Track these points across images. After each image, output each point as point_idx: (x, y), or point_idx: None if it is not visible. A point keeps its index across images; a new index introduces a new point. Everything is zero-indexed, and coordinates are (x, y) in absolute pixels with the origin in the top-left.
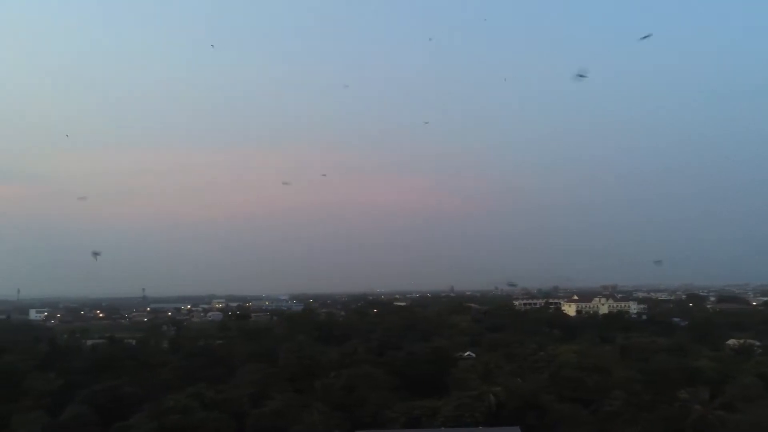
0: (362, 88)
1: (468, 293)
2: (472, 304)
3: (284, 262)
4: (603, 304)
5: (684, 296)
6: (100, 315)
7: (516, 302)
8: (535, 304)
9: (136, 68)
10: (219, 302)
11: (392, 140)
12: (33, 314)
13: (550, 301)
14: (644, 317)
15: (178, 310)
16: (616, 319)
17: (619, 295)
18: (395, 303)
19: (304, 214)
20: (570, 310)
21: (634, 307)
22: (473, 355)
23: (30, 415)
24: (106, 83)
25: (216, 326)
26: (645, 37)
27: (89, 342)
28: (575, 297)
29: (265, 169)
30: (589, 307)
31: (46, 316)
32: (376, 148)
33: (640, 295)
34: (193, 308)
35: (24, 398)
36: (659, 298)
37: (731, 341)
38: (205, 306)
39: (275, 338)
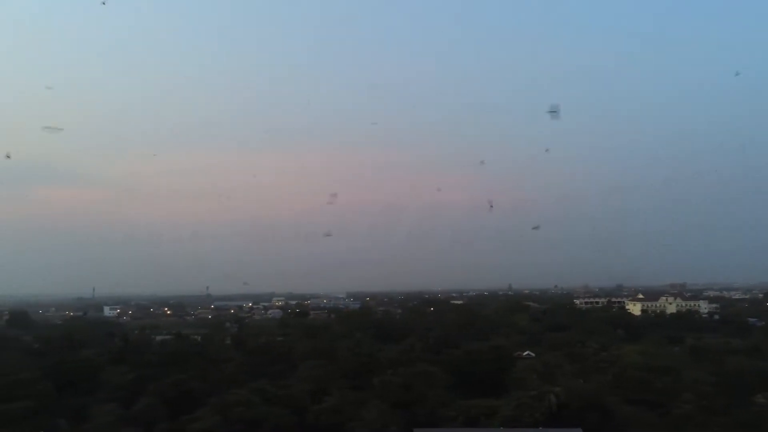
0: (404, 86)
1: (526, 291)
2: (531, 303)
3: (342, 260)
4: (670, 303)
5: (761, 295)
6: (168, 312)
7: (577, 301)
8: (597, 302)
9: (194, 73)
10: (279, 300)
11: (445, 136)
12: (107, 311)
13: (614, 299)
14: (716, 317)
15: (240, 307)
16: (685, 318)
17: (688, 294)
18: (452, 301)
19: (359, 213)
20: (635, 309)
21: (704, 307)
22: (533, 354)
23: (105, 407)
24: (168, 89)
25: (276, 324)
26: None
27: (158, 338)
28: (640, 295)
29: (321, 169)
30: (656, 306)
31: (118, 312)
32: (429, 143)
33: (711, 293)
34: (254, 306)
35: (100, 390)
36: (733, 297)
37: None
38: (266, 304)
39: (333, 336)
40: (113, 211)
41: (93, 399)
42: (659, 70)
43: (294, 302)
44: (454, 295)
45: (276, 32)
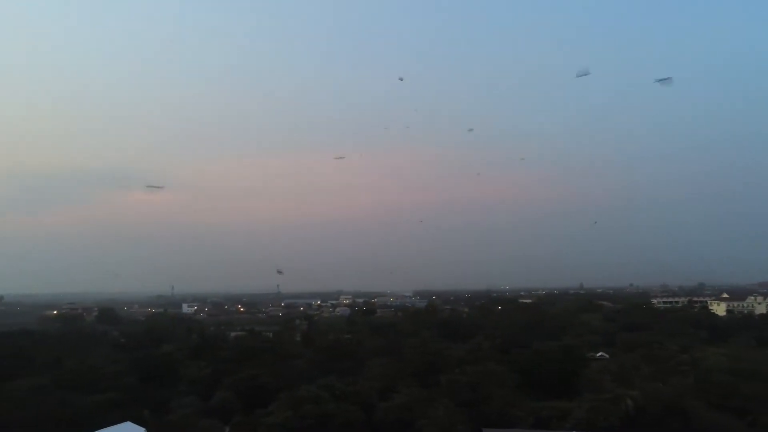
0: (478, 85)
1: (599, 290)
2: (604, 302)
3: (408, 258)
4: (759, 303)
5: None
6: (241, 309)
7: (654, 300)
8: (676, 302)
9: (265, 76)
10: (346, 298)
11: (510, 134)
12: (185, 308)
13: (695, 299)
14: None
15: (309, 305)
16: None
17: None
18: (520, 300)
19: (427, 212)
20: (719, 309)
21: None
22: (606, 355)
23: (184, 399)
24: (238, 92)
25: (344, 321)
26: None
27: (232, 334)
28: (725, 295)
29: (388, 168)
30: (743, 306)
31: (195, 309)
32: (497, 143)
33: None
34: (323, 303)
35: (179, 383)
36: None
37: None
38: (334, 301)
39: (400, 334)
40: (191, 213)
41: (173, 392)
42: None
43: (361, 300)
44: (522, 293)
45: (354, 32)
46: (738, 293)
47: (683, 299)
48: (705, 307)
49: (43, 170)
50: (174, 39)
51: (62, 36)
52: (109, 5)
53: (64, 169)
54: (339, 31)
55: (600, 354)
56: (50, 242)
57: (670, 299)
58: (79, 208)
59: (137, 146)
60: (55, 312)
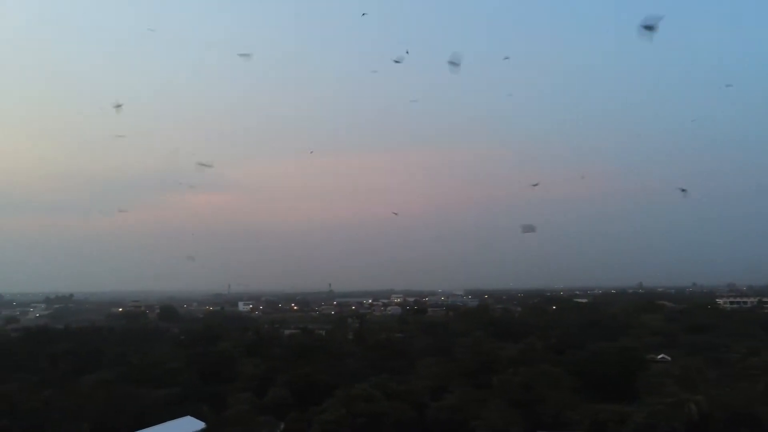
0: (537, 82)
1: (659, 290)
2: (665, 302)
3: (459, 257)
4: None
5: None
6: (294, 308)
7: (720, 300)
8: (744, 302)
9: (319, 77)
10: (397, 297)
11: (569, 130)
12: (241, 306)
13: (765, 299)
14: None
15: (361, 303)
16: None
17: None
18: (575, 300)
19: (480, 210)
20: None
21: None
22: (668, 358)
23: (241, 395)
24: (296, 94)
25: (395, 320)
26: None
27: (286, 332)
28: None
29: (441, 167)
30: None
31: (251, 308)
32: (547, 139)
33: None
34: (374, 302)
35: (236, 380)
36: None
37: None
38: (385, 300)
39: (451, 333)
40: (247, 213)
41: (230, 388)
42: None
43: (412, 299)
44: (577, 293)
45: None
46: None
47: (752, 299)
48: None
49: (111, 174)
50: (231, 41)
51: (127, 40)
52: (168, 8)
53: (130, 173)
54: (390, 31)
55: (661, 356)
56: (115, 243)
57: (738, 299)
58: (142, 210)
59: (199, 149)
60: (121, 309)
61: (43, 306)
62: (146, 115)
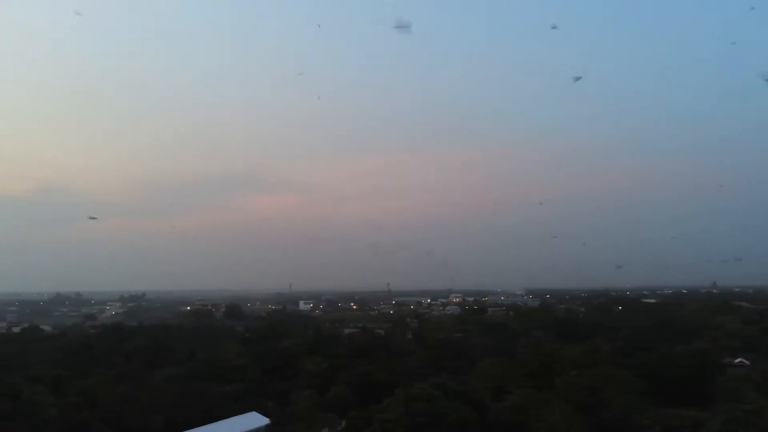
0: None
1: (736, 290)
2: (742, 303)
3: (519, 256)
4: None
5: None
6: (354, 307)
7: None
8: None
9: (389, 76)
10: (456, 296)
11: (624, 124)
12: (302, 305)
13: None
14: None
15: (420, 303)
16: None
17: None
18: (643, 300)
19: (542, 208)
20: None
21: None
22: (746, 362)
23: (303, 392)
24: (355, 94)
25: (454, 320)
26: None
27: (346, 331)
28: None
29: (498, 165)
30: None
31: (311, 306)
32: (603, 133)
33: None
34: (433, 302)
35: (298, 377)
36: None
37: None
38: (444, 300)
39: (512, 333)
40: (308, 214)
41: (292, 385)
42: None
43: (471, 299)
44: (645, 292)
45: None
46: None
47: None
48: None
49: (177, 178)
50: (295, 40)
51: (192, 46)
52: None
53: (196, 176)
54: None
55: (739, 360)
56: (183, 244)
57: None
58: (208, 212)
59: (262, 151)
60: (189, 308)
61: (118, 304)
62: (211, 119)
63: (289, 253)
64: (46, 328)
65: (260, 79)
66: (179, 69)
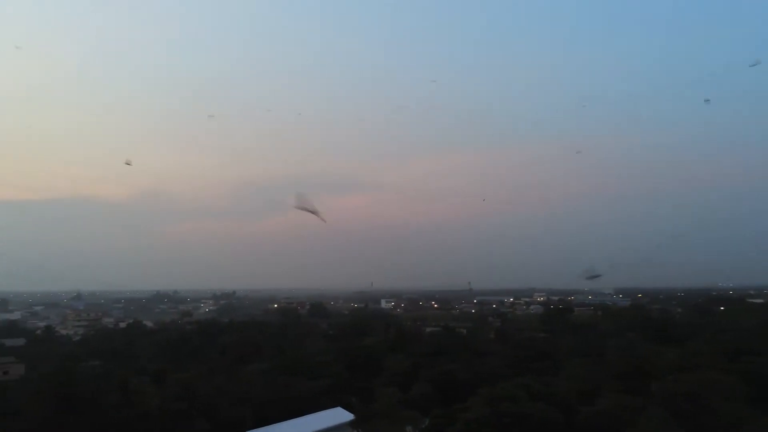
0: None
1: None
2: None
3: (608, 253)
4: None
5: None
6: (435, 306)
7: None
8: None
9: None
10: (540, 295)
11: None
12: (383, 303)
13: None
14: None
15: (502, 302)
16: None
17: None
18: (748, 300)
19: (630, 202)
20: None
21: None
22: None
23: (386, 390)
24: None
25: (538, 319)
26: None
27: (427, 329)
28: None
29: (586, 160)
30: None
31: (393, 305)
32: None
33: None
34: (515, 301)
35: (381, 374)
36: None
37: None
38: (527, 299)
39: (600, 334)
40: (389, 213)
41: (375, 382)
42: None
43: (556, 298)
44: (751, 292)
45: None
46: None
47: None
48: None
49: (266, 180)
50: (378, 44)
51: (281, 49)
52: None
53: (283, 178)
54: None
55: None
56: (269, 244)
57: None
58: (293, 213)
59: (346, 151)
60: (275, 305)
61: (211, 302)
62: (299, 122)
63: (370, 251)
64: (148, 323)
65: (346, 81)
66: (269, 73)
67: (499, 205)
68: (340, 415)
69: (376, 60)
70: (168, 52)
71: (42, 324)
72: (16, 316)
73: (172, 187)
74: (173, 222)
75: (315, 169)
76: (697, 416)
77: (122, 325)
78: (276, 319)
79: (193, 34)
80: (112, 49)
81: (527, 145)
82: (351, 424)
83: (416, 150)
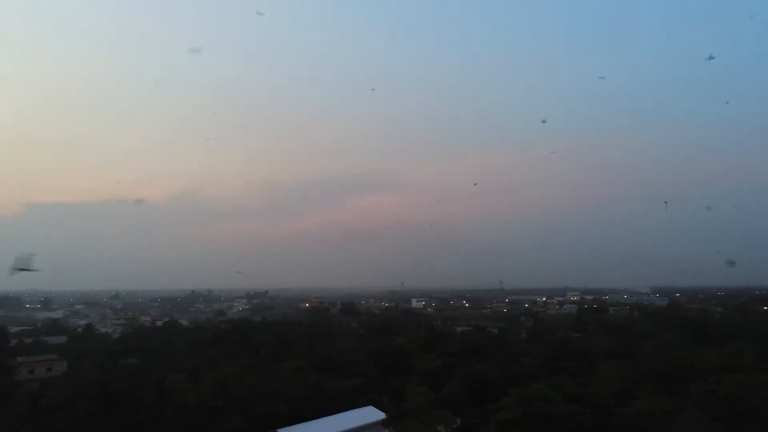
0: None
1: None
2: None
3: (644, 252)
4: None
5: None
6: (466, 305)
7: None
8: None
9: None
10: (573, 295)
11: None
12: (414, 303)
13: None
14: None
15: (534, 302)
16: None
17: None
18: None
19: (666, 199)
20: None
21: None
22: None
23: (418, 389)
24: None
25: (572, 319)
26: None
27: (458, 329)
28: None
29: (617, 158)
30: None
31: (423, 304)
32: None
33: None
34: (548, 300)
35: (412, 374)
36: None
37: None
38: (560, 298)
39: (637, 334)
40: (420, 213)
41: (407, 381)
42: None
43: (590, 297)
44: None
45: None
46: None
47: None
48: None
49: (297, 182)
50: (407, 47)
51: (308, 54)
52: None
53: (314, 180)
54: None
55: None
56: (300, 244)
57: None
58: (324, 213)
59: (377, 152)
60: (307, 304)
61: (244, 301)
62: (330, 123)
63: (401, 251)
64: (183, 322)
65: (377, 85)
66: (299, 77)
67: (532, 204)
68: (371, 414)
69: (402, 62)
70: (204, 57)
71: (83, 322)
72: (58, 314)
73: (207, 189)
74: (207, 223)
75: (350, 171)
76: (739, 419)
77: (159, 323)
78: (308, 318)
79: (225, 39)
80: (149, 55)
81: (564, 142)
82: (382, 422)
83: (452, 152)
